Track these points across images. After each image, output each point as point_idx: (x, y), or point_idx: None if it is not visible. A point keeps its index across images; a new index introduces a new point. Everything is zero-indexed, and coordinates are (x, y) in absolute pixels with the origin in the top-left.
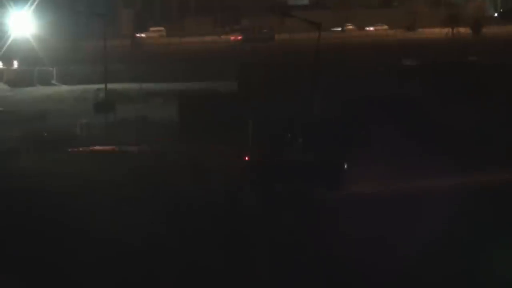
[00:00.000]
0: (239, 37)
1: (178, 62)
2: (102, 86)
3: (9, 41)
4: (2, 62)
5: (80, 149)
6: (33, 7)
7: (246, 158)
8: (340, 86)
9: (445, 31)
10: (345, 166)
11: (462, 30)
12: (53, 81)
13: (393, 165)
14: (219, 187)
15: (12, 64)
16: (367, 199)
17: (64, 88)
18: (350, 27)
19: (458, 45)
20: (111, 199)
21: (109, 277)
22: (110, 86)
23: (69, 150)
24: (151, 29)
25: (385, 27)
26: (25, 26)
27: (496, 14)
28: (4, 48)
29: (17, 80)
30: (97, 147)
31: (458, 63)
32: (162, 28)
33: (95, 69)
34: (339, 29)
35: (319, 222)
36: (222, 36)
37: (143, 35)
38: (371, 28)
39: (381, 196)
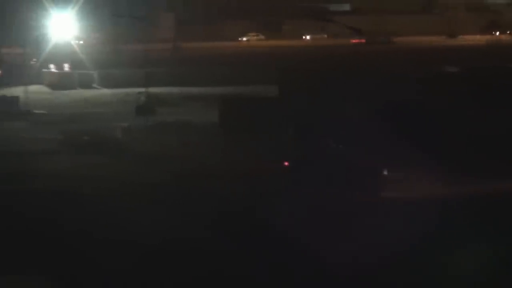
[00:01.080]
0: (363, 40)
1: (218, 66)
2: (143, 89)
3: (51, 45)
4: (45, 65)
5: (120, 152)
6: (75, 11)
7: (286, 163)
8: (382, 91)
9: (486, 37)
10: (385, 172)
11: (503, 36)
12: (94, 84)
13: (434, 171)
14: (259, 191)
15: (54, 67)
16: (405, 205)
17: (105, 91)
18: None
19: (499, 51)
20: (150, 202)
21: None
22: (151, 89)
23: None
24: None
25: (325, 35)
26: (67, 29)
27: None
28: (47, 51)
29: (59, 83)
30: (137, 150)
31: (499, 67)
32: (98, 35)
33: (135, 72)
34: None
35: (356, 227)
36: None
37: (81, 41)
38: (308, 37)
39: (420, 201)
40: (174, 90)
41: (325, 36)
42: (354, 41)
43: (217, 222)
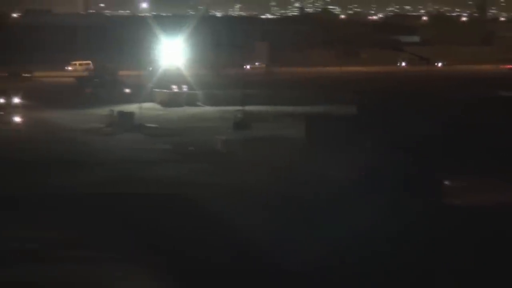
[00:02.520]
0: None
1: (304, 88)
2: (240, 107)
3: (162, 68)
4: (155, 85)
5: (221, 161)
6: (182, 39)
7: (361, 173)
8: (445, 110)
9: None
10: (445, 180)
11: None
12: (198, 103)
13: (493, 180)
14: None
15: (164, 87)
16: (467, 210)
17: (208, 109)
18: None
19: None
20: (256, 204)
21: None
22: (247, 107)
23: (212, 161)
24: (78, 62)
25: (263, 65)
26: (175, 55)
27: None
28: (159, 74)
29: (168, 101)
30: (235, 159)
31: None
32: (89, 62)
33: (234, 93)
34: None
35: (421, 231)
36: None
37: (69, 68)
38: (248, 67)
39: (482, 207)
40: (267, 108)
41: (264, 65)
42: (507, 66)
43: (305, 222)
